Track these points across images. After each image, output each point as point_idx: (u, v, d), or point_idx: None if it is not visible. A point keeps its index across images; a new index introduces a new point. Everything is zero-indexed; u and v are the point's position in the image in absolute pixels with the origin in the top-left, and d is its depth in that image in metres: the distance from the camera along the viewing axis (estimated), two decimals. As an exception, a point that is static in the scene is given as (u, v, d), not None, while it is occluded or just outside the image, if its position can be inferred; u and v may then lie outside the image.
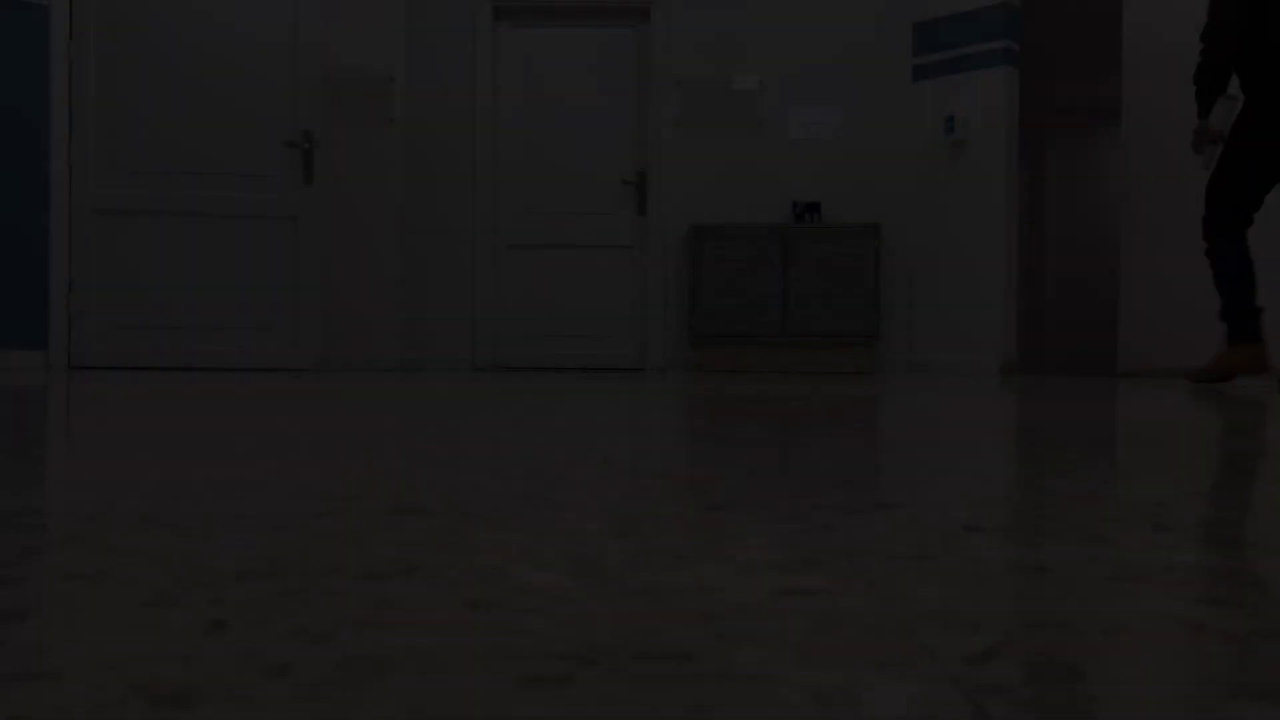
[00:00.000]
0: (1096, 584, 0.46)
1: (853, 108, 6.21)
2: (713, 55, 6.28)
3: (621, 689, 0.30)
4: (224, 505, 0.67)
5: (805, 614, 0.40)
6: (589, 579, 0.46)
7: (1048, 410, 2.01)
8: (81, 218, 5.16)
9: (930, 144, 6.05)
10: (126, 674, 0.31)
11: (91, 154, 5.18)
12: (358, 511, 0.65)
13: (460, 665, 0.32)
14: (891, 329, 6.21)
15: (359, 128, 6.02)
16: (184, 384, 3.06)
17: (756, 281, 5.98)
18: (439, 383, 3.41)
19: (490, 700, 0.29)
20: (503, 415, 1.65)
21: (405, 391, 2.61)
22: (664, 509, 0.67)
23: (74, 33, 5.14)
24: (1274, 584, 0.46)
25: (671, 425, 1.47)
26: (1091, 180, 9.22)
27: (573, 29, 6.36)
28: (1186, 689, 0.31)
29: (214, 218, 5.32)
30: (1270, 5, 3.41)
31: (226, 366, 5.34)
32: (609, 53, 6.36)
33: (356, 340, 6.08)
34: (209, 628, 0.37)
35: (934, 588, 0.45)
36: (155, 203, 5.25)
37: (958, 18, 5.95)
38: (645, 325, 6.33)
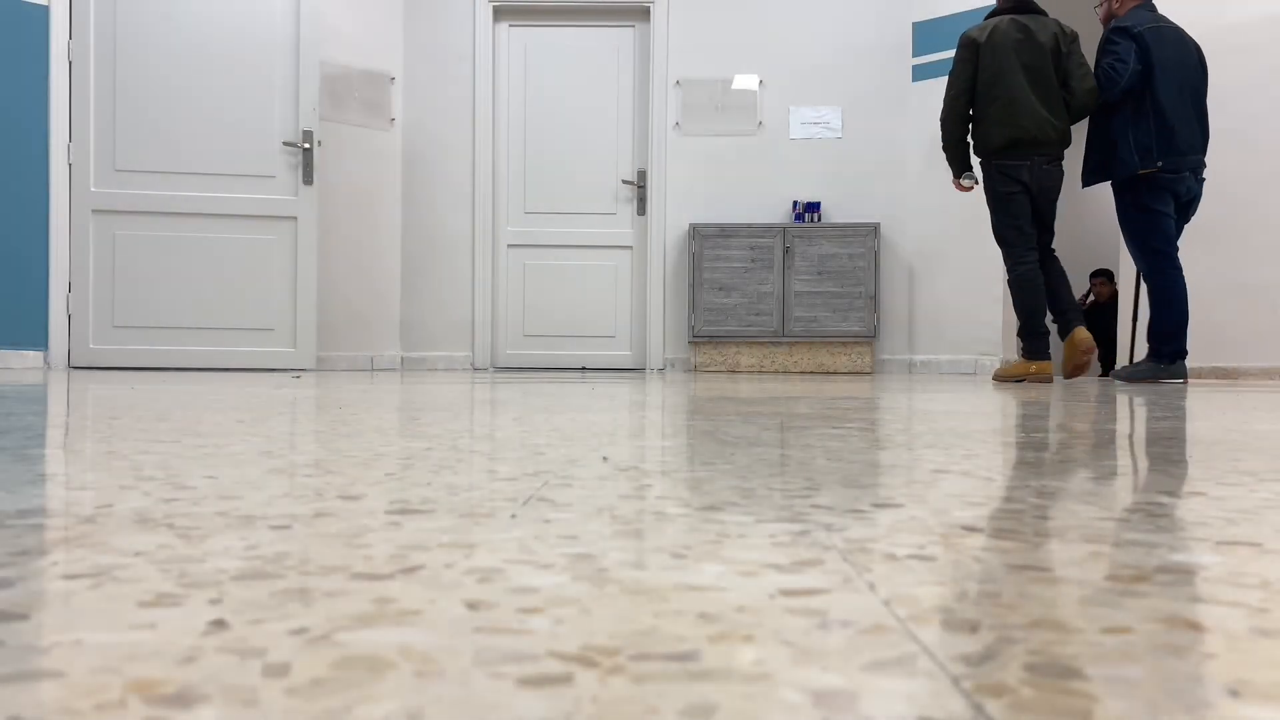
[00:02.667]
0: (1096, 584, 0.46)
1: (853, 108, 6.22)
2: (713, 55, 6.28)
3: (621, 689, 0.30)
4: (224, 505, 0.67)
5: (805, 614, 0.40)
6: (589, 579, 0.46)
7: (1047, 410, 2.01)
8: (81, 218, 5.16)
9: (930, 144, 6.05)
10: (126, 674, 0.31)
11: (91, 154, 5.18)
12: (358, 511, 0.65)
13: (460, 665, 0.32)
14: (891, 329, 6.20)
15: (359, 128, 6.02)
16: (183, 384, 3.06)
17: (756, 281, 5.98)
18: (438, 383, 3.41)
19: (490, 700, 0.29)
20: (502, 415, 1.65)
21: (403, 392, 2.61)
22: (664, 509, 0.67)
23: (74, 33, 5.14)
24: (1274, 584, 0.46)
25: (671, 425, 1.47)
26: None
27: (573, 29, 6.36)
28: (1187, 689, 0.31)
29: (214, 218, 5.32)
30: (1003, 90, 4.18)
31: (226, 367, 5.34)
32: (609, 53, 6.36)
33: (356, 341, 6.08)
34: (209, 628, 0.37)
35: (934, 588, 0.45)
36: (155, 203, 5.25)
37: (958, 17, 5.95)
38: (645, 325, 6.33)
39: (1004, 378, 4.30)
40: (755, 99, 6.26)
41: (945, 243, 6.03)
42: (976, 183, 4.39)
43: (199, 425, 1.37)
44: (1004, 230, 4.28)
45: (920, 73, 6.11)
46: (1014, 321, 5.98)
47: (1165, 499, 0.74)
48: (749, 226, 6.00)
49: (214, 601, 0.41)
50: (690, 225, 6.05)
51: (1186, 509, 0.69)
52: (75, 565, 0.48)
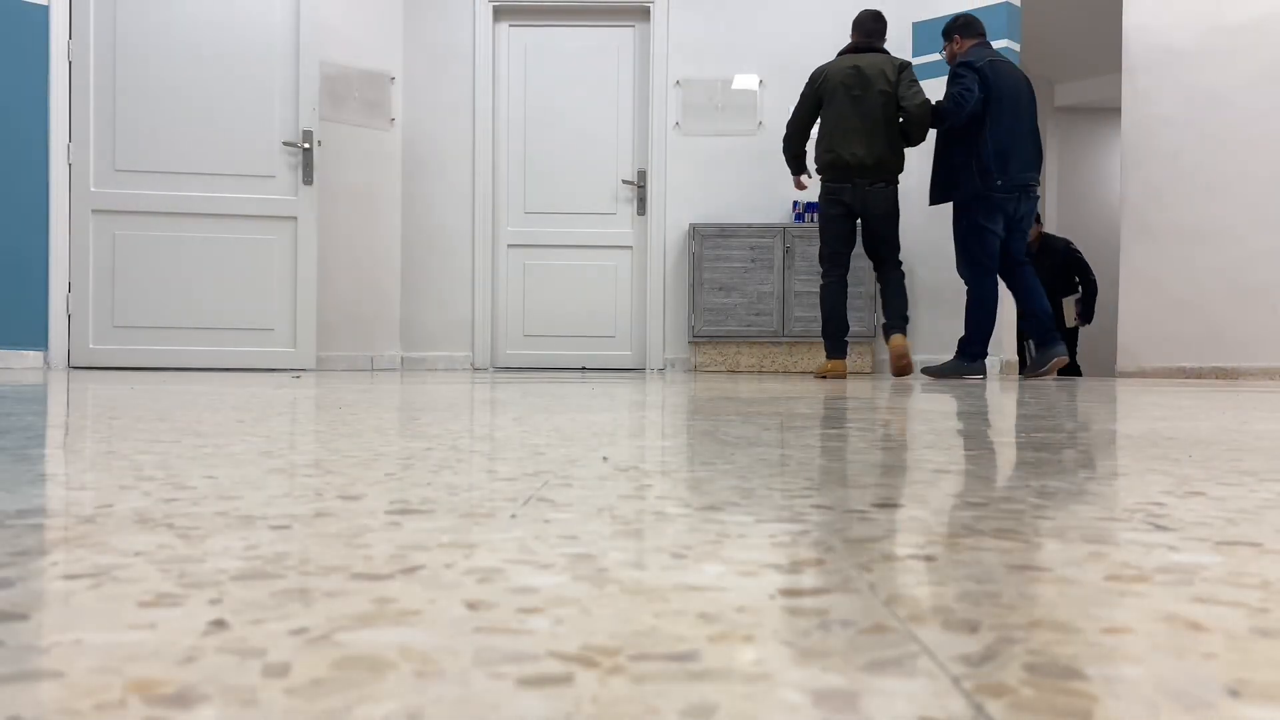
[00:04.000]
0: (1096, 584, 0.46)
1: (852, 108, 6.20)
2: (713, 55, 6.28)
3: (621, 689, 0.30)
4: (224, 505, 0.67)
5: (805, 614, 0.40)
6: (589, 579, 0.46)
7: (1048, 411, 2.01)
8: (81, 218, 5.16)
9: (930, 143, 6.05)
10: (126, 674, 0.31)
11: (91, 154, 5.18)
12: (358, 511, 0.65)
13: (460, 665, 0.32)
14: (891, 329, 6.20)
15: (359, 128, 6.02)
16: (183, 384, 3.06)
17: (756, 281, 5.98)
18: (438, 383, 3.41)
19: (490, 700, 0.29)
20: (501, 415, 1.65)
21: (403, 392, 2.61)
22: (664, 509, 0.67)
23: (74, 33, 5.14)
24: (1274, 584, 0.46)
25: (671, 425, 1.47)
26: (1091, 180, 9.21)
27: (573, 29, 6.35)
28: (1187, 689, 0.31)
29: (214, 218, 5.32)
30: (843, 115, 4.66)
31: (226, 367, 5.34)
32: (609, 53, 6.36)
33: (356, 341, 6.08)
34: (209, 628, 0.37)
35: (934, 588, 0.45)
36: (155, 203, 5.25)
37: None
38: (645, 325, 6.33)
39: (818, 375, 4.66)
40: (755, 99, 6.26)
41: (944, 243, 6.02)
42: (812, 176, 5.35)
43: (199, 425, 1.37)
44: (821, 249, 4.80)
45: (920, 73, 6.10)
46: (1013, 323, 5.99)
47: (1165, 498, 0.74)
48: (749, 226, 6.00)
49: (214, 601, 0.41)
50: (690, 225, 6.05)
51: (1186, 509, 0.69)
52: (75, 565, 0.48)
